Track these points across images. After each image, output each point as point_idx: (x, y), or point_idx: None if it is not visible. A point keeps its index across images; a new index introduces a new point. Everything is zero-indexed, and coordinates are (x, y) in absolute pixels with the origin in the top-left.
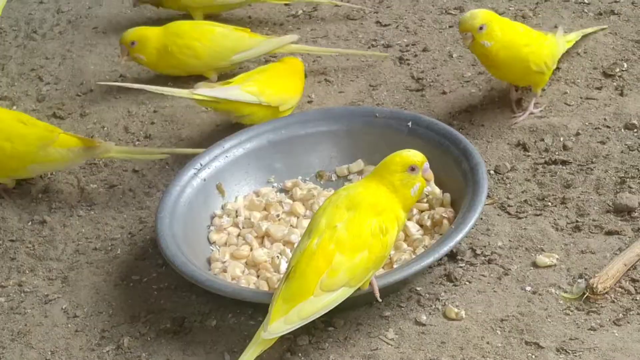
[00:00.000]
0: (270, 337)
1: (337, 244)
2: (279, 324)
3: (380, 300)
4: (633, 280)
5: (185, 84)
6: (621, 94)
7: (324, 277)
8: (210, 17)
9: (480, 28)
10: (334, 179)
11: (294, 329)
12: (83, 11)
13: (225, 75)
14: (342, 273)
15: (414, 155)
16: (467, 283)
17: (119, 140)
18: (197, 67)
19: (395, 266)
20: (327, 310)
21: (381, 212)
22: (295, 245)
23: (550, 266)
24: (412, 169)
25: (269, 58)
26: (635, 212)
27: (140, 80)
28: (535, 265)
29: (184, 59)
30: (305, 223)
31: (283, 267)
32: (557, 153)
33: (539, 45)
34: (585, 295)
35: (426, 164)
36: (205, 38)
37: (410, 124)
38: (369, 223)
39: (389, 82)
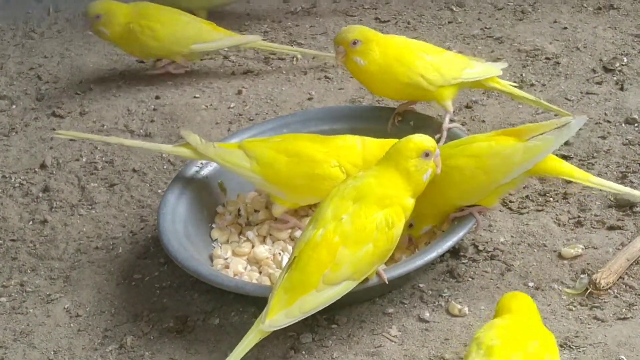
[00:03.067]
0: (270, 329)
1: (341, 237)
2: (280, 316)
3: (387, 282)
4: (636, 276)
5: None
6: (621, 89)
7: (327, 272)
8: (212, 14)
9: (354, 43)
10: None
11: (294, 322)
12: (81, 9)
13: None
14: (345, 267)
15: (428, 141)
16: (470, 279)
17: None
18: (156, 50)
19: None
20: (329, 304)
21: (388, 205)
22: (300, 234)
23: (573, 257)
24: (427, 154)
25: (226, 53)
26: (637, 207)
27: (139, 77)
28: (561, 256)
29: (144, 39)
30: (307, 221)
31: (285, 263)
32: (558, 148)
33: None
34: (588, 291)
35: (437, 150)
36: (168, 22)
37: (412, 123)
38: (375, 216)
39: None
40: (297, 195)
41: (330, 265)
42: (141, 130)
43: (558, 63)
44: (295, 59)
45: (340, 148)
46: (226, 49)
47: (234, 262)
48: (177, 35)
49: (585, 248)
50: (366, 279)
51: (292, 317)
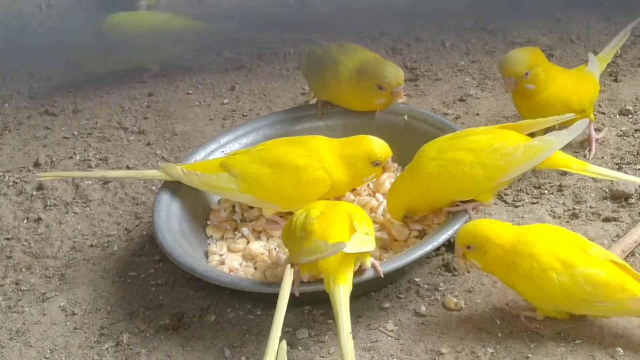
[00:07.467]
0: (351, 251)
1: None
2: (353, 242)
3: (382, 276)
4: (632, 267)
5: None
6: (615, 80)
7: (355, 222)
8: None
9: (526, 74)
10: None
11: (364, 250)
12: (73, 6)
13: (167, 66)
14: (363, 222)
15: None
16: (466, 273)
17: (112, 136)
18: (137, 59)
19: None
20: (370, 249)
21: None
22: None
23: None
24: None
25: (219, 49)
26: (632, 199)
27: (131, 74)
28: None
29: (124, 51)
30: None
31: (281, 258)
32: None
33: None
34: None
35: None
36: (145, 28)
37: (406, 117)
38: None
39: None
40: (288, 204)
41: (351, 217)
42: (135, 127)
43: (552, 55)
44: (287, 53)
45: (318, 149)
46: (219, 44)
47: (230, 258)
48: (157, 41)
49: None
50: (363, 271)
51: (361, 245)
